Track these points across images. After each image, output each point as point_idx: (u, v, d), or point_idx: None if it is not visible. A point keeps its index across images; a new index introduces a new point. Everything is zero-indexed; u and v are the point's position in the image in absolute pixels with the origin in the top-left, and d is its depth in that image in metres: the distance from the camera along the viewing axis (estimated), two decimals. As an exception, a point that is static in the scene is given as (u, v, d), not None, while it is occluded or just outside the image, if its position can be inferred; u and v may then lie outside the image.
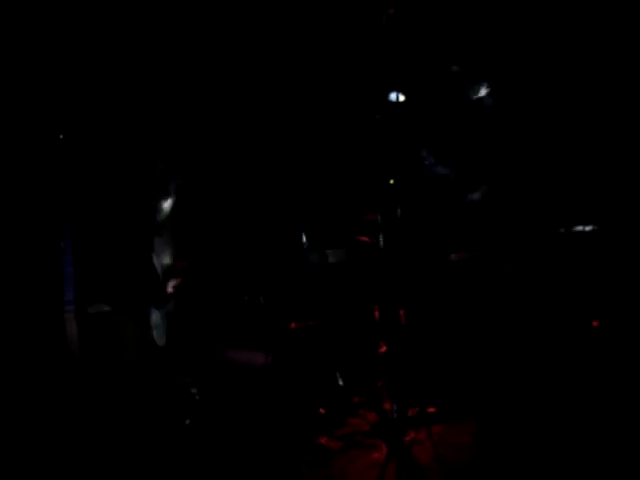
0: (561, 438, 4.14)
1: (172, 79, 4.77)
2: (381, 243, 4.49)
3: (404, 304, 4.54)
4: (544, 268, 4.62)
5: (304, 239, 4.79)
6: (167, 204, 4.14)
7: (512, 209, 4.68)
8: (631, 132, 4.70)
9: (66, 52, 4.52)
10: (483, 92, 4.61)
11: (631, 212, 4.61)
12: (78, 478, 4.13)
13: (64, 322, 4.09)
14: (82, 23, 4.58)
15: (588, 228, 4.56)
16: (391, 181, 4.62)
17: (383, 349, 4.65)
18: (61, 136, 4.48)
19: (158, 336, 4.18)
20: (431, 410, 4.54)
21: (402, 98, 4.68)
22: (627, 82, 4.73)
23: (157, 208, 4.12)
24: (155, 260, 4.17)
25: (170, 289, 4.18)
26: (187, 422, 4.54)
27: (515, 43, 4.73)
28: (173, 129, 4.68)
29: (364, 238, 4.79)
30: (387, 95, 4.69)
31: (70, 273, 4.08)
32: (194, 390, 4.59)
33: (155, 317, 4.15)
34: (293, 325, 4.81)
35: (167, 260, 4.21)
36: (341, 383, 4.67)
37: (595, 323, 4.54)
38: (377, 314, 4.73)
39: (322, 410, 4.71)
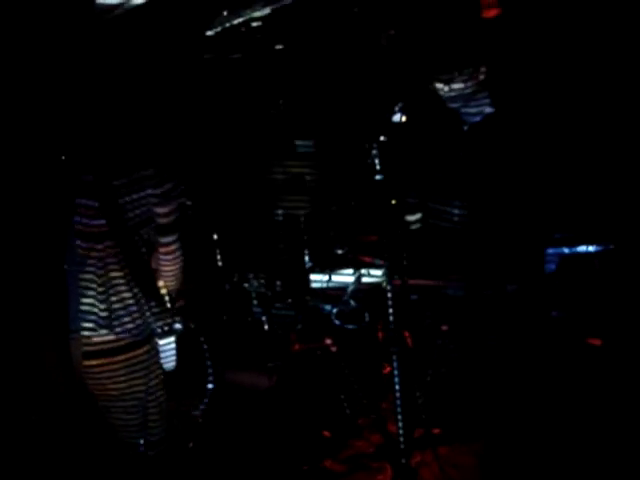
0: (566, 459, 4.14)
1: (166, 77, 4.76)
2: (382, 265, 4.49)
3: (409, 325, 4.54)
4: (547, 289, 4.63)
5: (307, 260, 4.79)
6: (170, 229, 4.10)
7: (513, 227, 4.68)
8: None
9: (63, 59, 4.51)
10: (487, 110, 4.62)
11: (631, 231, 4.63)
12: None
13: (69, 347, 4.05)
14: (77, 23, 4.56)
15: (592, 248, 4.57)
16: (393, 202, 4.62)
17: (387, 370, 4.64)
18: (63, 157, 4.45)
19: (166, 361, 4.14)
20: (436, 431, 4.53)
21: (404, 119, 4.68)
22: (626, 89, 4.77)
23: (156, 228, 4.09)
24: (160, 283, 4.14)
25: (176, 312, 4.15)
26: (190, 445, 4.50)
27: (514, 59, 4.75)
28: (173, 135, 4.66)
29: (367, 259, 4.79)
30: (390, 116, 4.69)
31: (75, 297, 4.05)
32: (197, 412, 4.56)
33: (162, 341, 4.12)
34: (297, 347, 4.79)
35: (171, 282, 4.18)
36: (346, 406, 4.66)
37: (597, 342, 4.54)
38: (381, 335, 4.72)
39: (326, 433, 4.69)
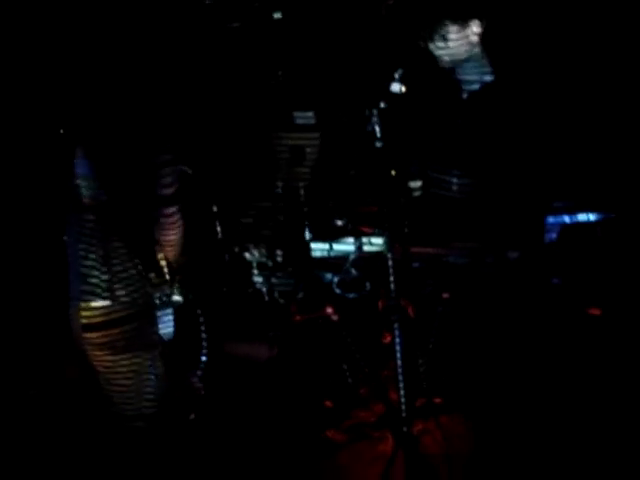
0: (569, 431, 4.15)
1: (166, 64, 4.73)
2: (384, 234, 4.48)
3: (409, 294, 4.52)
4: (548, 257, 4.61)
5: (307, 232, 4.77)
6: (168, 193, 4.08)
7: (513, 196, 4.66)
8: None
9: (63, 45, 4.48)
10: (487, 78, 4.59)
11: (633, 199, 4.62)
12: (78, 470, 4.11)
13: (69, 316, 4.05)
14: (77, 17, 4.54)
15: (593, 217, 4.55)
16: (393, 172, 4.60)
17: (388, 339, 4.63)
18: (62, 131, 4.43)
19: (165, 330, 4.14)
20: (438, 400, 4.53)
21: (404, 89, 4.64)
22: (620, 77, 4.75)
23: (157, 199, 4.08)
24: (159, 253, 4.13)
25: (175, 281, 4.14)
26: (192, 417, 4.51)
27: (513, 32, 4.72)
28: (170, 119, 4.64)
29: (367, 229, 4.77)
30: (388, 86, 4.65)
31: (75, 267, 4.04)
32: (198, 384, 4.56)
33: (161, 311, 4.11)
34: (297, 317, 4.78)
35: (171, 252, 4.17)
36: (347, 375, 4.65)
37: (596, 312, 4.53)
38: (381, 304, 4.71)
39: (328, 403, 4.70)
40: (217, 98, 5.14)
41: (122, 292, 3.96)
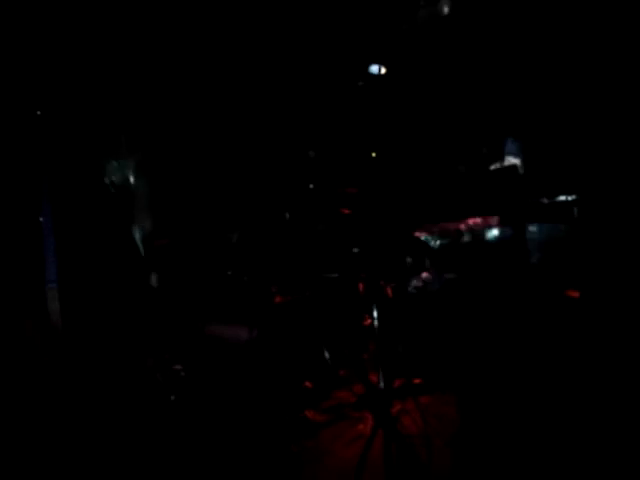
0: (547, 409, 4.17)
1: (149, 60, 4.72)
2: (364, 216, 4.50)
3: (388, 276, 4.54)
4: (527, 241, 4.64)
5: (286, 213, 4.77)
6: (149, 177, 4.09)
7: (494, 181, 4.68)
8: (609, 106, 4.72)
9: (46, 34, 4.45)
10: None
11: (610, 182, 4.64)
12: (60, 456, 4.10)
13: (46, 298, 4.03)
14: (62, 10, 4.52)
15: (571, 198, 4.57)
16: (373, 154, 4.61)
17: (368, 321, 4.65)
18: (38, 112, 4.40)
19: (143, 311, 4.14)
20: (417, 381, 4.55)
21: (383, 70, 4.64)
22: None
23: (138, 182, 4.07)
24: (136, 234, 4.12)
25: (154, 264, 4.14)
26: (172, 398, 4.51)
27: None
28: (152, 104, 4.63)
29: (346, 210, 4.78)
30: (368, 67, 4.66)
31: (51, 249, 4.02)
32: (179, 366, 4.56)
33: (139, 293, 4.12)
34: (277, 299, 4.79)
35: (150, 233, 4.17)
36: (327, 357, 4.67)
37: (575, 294, 4.56)
38: (361, 287, 4.72)
39: (308, 384, 4.71)
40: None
41: None
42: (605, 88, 4.68)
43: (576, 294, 4.56)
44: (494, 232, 4.53)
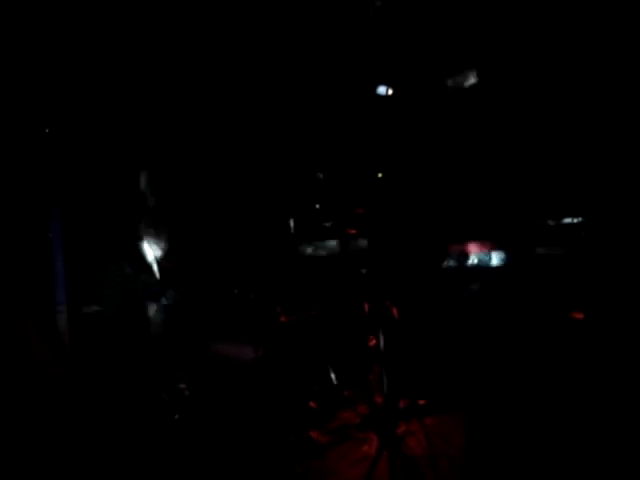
0: (547, 430, 4.16)
1: (155, 71, 4.75)
2: (370, 236, 4.51)
3: (394, 297, 4.54)
4: (532, 261, 4.64)
5: (293, 231, 4.79)
6: (158, 199, 4.12)
7: (501, 201, 4.69)
8: (615, 126, 4.74)
9: (53, 47, 4.49)
10: (472, 80, 4.63)
11: (617, 204, 4.64)
12: (67, 471, 4.10)
13: (56, 319, 4.06)
14: (68, 19, 4.55)
15: (576, 220, 4.58)
16: (379, 175, 4.63)
17: (373, 342, 4.65)
18: (47, 130, 4.44)
19: (152, 331, 4.15)
20: (421, 402, 4.55)
21: (390, 92, 4.68)
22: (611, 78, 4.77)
23: (148, 203, 4.10)
24: (147, 254, 4.14)
25: (162, 284, 4.15)
26: (176, 417, 4.51)
27: (503, 34, 4.75)
28: (161, 121, 4.66)
29: (353, 231, 4.79)
30: (375, 89, 4.69)
31: (61, 270, 4.05)
32: (183, 385, 4.57)
33: (152, 310, 4.12)
34: (283, 319, 4.79)
35: (159, 254, 4.19)
36: (334, 380, 4.67)
37: (579, 315, 4.56)
38: (367, 307, 4.73)
39: (313, 404, 4.70)
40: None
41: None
42: (612, 110, 4.71)
43: (581, 316, 4.56)
44: (500, 254, 4.53)
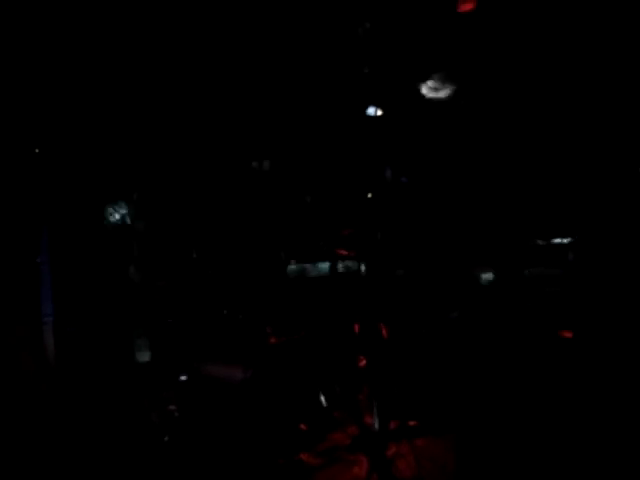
0: (539, 452, 4.16)
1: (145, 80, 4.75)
2: (360, 257, 4.52)
3: (384, 318, 4.54)
4: (523, 280, 4.65)
5: (283, 254, 4.78)
6: (146, 220, 4.11)
7: (492, 220, 4.70)
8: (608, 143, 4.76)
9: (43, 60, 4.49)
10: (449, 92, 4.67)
11: (608, 222, 4.66)
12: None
13: (42, 333, 4.04)
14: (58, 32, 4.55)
15: (566, 240, 4.60)
16: (369, 195, 4.64)
17: (363, 363, 4.64)
18: (37, 150, 4.43)
19: (139, 351, 4.14)
20: (412, 423, 4.54)
21: (379, 112, 4.69)
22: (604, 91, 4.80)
23: (136, 223, 4.10)
24: (135, 274, 4.13)
25: (150, 304, 4.14)
26: (166, 439, 4.49)
27: (492, 55, 4.77)
28: (149, 140, 4.66)
29: (343, 252, 4.79)
30: (365, 110, 4.70)
31: (48, 283, 4.04)
32: (173, 406, 4.54)
33: (136, 332, 4.11)
34: (273, 339, 4.78)
35: (147, 274, 4.18)
36: (322, 398, 4.65)
37: (568, 334, 4.56)
38: (357, 328, 4.72)
39: (303, 426, 4.69)
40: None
41: None
42: (602, 129, 4.74)
43: (569, 334, 4.57)
44: (489, 274, 4.55)
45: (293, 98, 5.09)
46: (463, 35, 4.78)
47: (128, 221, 4.13)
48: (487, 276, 4.57)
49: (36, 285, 4.19)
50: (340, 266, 4.64)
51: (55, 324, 4.24)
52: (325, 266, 4.70)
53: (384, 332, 4.53)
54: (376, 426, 4.26)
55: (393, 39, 4.86)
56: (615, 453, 4.06)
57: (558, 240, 4.63)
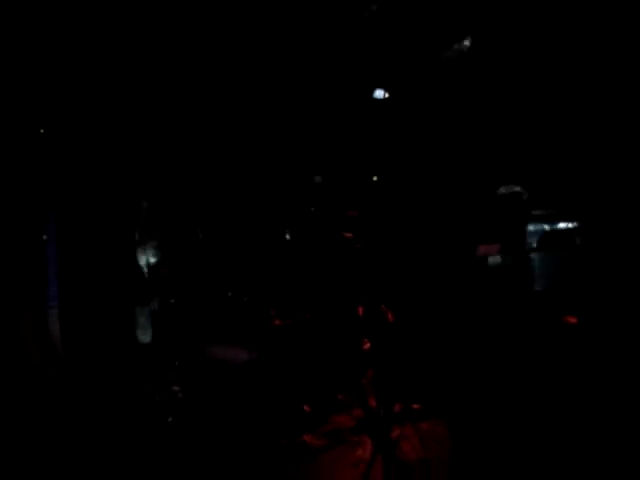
0: (540, 433, 4.17)
1: (151, 74, 4.73)
2: (364, 240, 4.51)
3: (388, 301, 4.54)
4: (527, 266, 4.65)
5: (288, 235, 4.77)
6: (152, 202, 4.10)
7: (494, 205, 4.70)
8: (609, 132, 4.76)
9: (49, 46, 4.46)
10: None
11: (610, 209, 4.67)
12: (60, 474, 4.07)
13: (47, 317, 4.02)
14: (63, 21, 4.53)
15: (572, 225, 4.60)
16: (374, 178, 4.63)
17: (367, 346, 4.64)
18: (42, 130, 4.41)
19: (142, 334, 4.13)
20: (416, 406, 4.54)
21: (387, 95, 4.68)
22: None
23: (141, 206, 4.08)
24: (140, 257, 4.12)
25: (154, 287, 4.13)
26: (170, 419, 4.49)
27: (497, 37, 4.76)
28: (155, 125, 4.64)
29: (348, 234, 4.78)
30: (372, 93, 4.69)
31: (53, 269, 4.02)
32: (177, 388, 4.54)
33: (139, 315, 4.10)
34: (277, 322, 4.78)
35: (152, 257, 4.17)
36: (326, 381, 4.66)
37: (573, 320, 4.57)
38: (361, 311, 4.72)
39: (307, 408, 4.69)
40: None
41: None
42: (607, 116, 4.73)
43: (574, 320, 4.57)
44: (496, 259, 4.55)
45: (301, 82, 5.07)
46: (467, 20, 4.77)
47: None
48: (494, 259, 4.57)
49: (42, 270, 4.18)
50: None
51: (60, 309, 4.23)
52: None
53: (389, 315, 4.53)
54: (380, 409, 4.26)
55: (400, 22, 4.84)
56: (612, 434, 4.07)
57: (564, 225, 4.63)
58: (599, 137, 4.72)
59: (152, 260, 4.34)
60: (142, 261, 4.26)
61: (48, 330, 4.09)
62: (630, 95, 4.66)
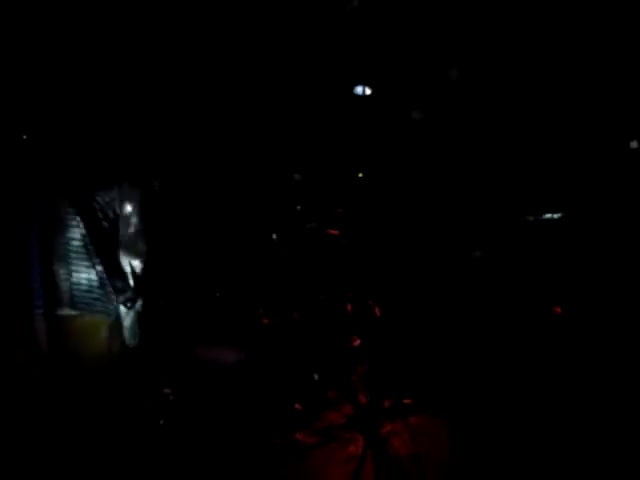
0: (533, 428, 4.18)
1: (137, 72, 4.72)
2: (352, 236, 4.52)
3: (376, 297, 4.55)
4: (515, 257, 4.66)
5: (274, 234, 4.78)
6: (136, 202, 4.09)
7: (482, 198, 4.71)
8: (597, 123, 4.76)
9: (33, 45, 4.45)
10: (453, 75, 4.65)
11: (598, 199, 4.67)
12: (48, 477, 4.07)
13: (33, 323, 4.02)
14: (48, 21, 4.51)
15: (557, 215, 4.60)
16: (360, 174, 4.63)
17: (357, 342, 4.65)
18: (24, 136, 4.40)
19: (130, 337, 4.13)
20: (407, 402, 4.55)
21: (368, 92, 4.68)
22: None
23: (125, 207, 4.07)
24: (124, 259, 4.12)
25: (142, 288, 4.12)
26: (161, 422, 4.49)
27: (483, 33, 4.76)
28: (142, 124, 4.63)
29: (334, 231, 4.78)
30: (353, 89, 4.69)
31: (38, 274, 4.01)
32: (167, 390, 4.54)
33: (126, 317, 4.10)
34: (265, 320, 4.78)
35: (136, 259, 4.16)
36: (316, 378, 4.67)
37: (558, 310, 4.58)
38: (350, 307, 4.73)
39: (298, 405, 4.70)
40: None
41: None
42: (593, 108, 4.74)
43: (559, 310, 4.59)
44: (480, 250, 4.56)
45: (283, 78, 5.07)
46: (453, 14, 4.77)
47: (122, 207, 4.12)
48: (479, 251, 4.57)
49: (26, 273, 4.16)
50: None
51: (45, 312, 4.22)
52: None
53: (377, 311, 4.54)
54: (371, 404, 4.27)
55: (381, 16, 4.84)
56: (609, 425, 4.08)
57: (549, 215, 4.64)
58: (586, 132, 4.74)
59: (139, 261, 4.33)
60: (128, 263, 4.25)
61: (35, 339, 4.09)
62: (621, 102, 4.69)
